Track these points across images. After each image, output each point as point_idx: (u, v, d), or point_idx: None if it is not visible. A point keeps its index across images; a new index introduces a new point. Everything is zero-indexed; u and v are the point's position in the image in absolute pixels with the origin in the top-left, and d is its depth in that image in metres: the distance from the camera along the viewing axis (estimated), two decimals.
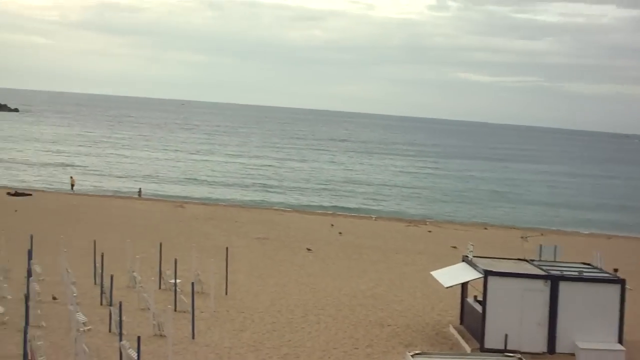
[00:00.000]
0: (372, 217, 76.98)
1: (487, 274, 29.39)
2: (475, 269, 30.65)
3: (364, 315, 34.44)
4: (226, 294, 36.34)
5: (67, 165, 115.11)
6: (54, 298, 33.45)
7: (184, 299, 32.66)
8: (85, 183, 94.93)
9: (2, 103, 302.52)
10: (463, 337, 31.00)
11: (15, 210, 62.87)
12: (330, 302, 36.63)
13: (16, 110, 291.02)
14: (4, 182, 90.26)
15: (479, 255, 33.26)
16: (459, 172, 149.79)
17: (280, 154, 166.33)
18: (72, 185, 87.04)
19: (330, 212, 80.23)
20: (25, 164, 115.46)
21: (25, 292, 29.15)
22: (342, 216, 76.62)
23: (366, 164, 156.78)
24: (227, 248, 40.35)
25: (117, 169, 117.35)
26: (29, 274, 32.18)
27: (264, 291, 38.16)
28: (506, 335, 28.71)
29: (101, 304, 32.81)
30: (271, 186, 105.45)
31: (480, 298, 30.44)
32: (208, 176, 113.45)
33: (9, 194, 74.19)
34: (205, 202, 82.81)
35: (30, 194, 75.10)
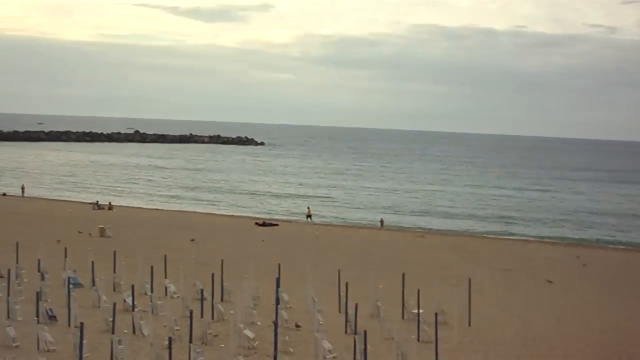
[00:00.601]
0: (619, 248, 73.74)
1: None
2: None
3: (614, 351, 32.85)
4: (469, 325, 35.80)
5: (309, 197, 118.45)
6: (297, 326, 34.29)
7: (427, 330, 32.49)
8: (327, 214, 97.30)
9: (250, 137, 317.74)
10: None
11: (262, 240, 65.38)
12: (577, 336, 35.28)
13: (262, 144, 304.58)
14: (253, 213, 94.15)
15: None
16: None
17: (521, 183, 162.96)
18: (309, 216, 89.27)
19: (574, 244, 77.61)
20: (271, 195, 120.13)
21: (274, 318, 30.14)
22: (587, 247, 73.84)
23: (611, 193, 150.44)
24: (469, 279, 39.84)
25: (358, 199, 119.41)
26: (277, 301, 33.26)
27: (507, 323, 37.35)
28: None
29: (345, 332, 33.23)
30: (512, 217, 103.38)
31: None
32: (448, 207, 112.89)
33: (257, 224, 77.36)
34: (445, 232, 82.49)
35: (277, 224, 77.88)
